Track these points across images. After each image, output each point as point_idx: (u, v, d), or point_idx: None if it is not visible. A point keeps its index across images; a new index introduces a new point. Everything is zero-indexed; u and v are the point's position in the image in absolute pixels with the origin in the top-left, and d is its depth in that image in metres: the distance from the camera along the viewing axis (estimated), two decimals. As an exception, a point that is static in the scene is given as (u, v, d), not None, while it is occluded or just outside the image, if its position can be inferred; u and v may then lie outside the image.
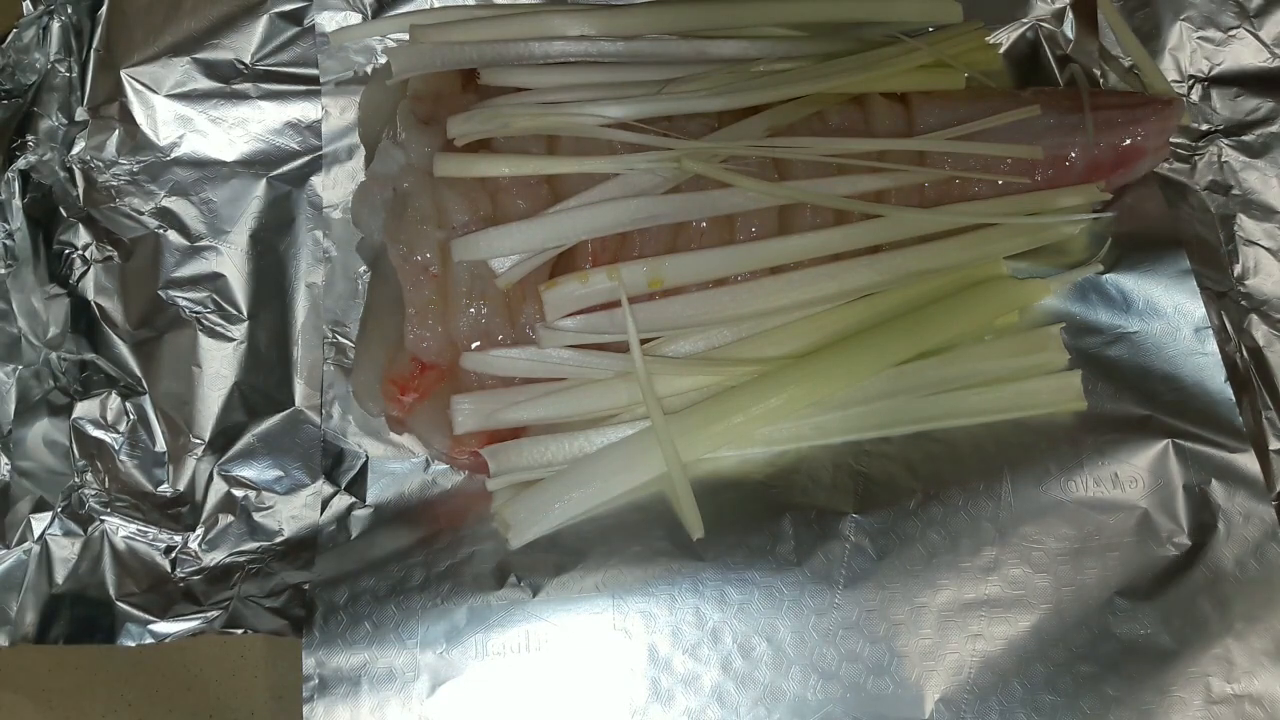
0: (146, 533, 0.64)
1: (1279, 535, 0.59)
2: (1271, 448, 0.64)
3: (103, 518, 0.64)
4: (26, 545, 0.63)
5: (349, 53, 0.73)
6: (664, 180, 0.61)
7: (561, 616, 0.57)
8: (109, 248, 0.70)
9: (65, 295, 0.68)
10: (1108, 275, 0.66)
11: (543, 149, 0.62)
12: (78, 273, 0.69)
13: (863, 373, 0.62)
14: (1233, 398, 0.62)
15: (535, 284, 0.60)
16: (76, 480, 0.65)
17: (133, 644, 0.61)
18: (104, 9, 0.73)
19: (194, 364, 0.68)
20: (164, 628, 0.61)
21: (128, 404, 0.66)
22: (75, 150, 0.72)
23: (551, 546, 0.59)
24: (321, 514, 0.64)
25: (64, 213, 0.70)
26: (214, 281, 0.70)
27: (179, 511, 0.65)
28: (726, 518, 0.60)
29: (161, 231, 0.71)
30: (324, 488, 0.65)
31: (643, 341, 0.61)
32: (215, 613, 0.61)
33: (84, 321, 0.68)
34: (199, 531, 0.64)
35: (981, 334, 0.65)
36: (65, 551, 0.63)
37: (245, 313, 0.69)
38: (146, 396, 0.66)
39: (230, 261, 0.70)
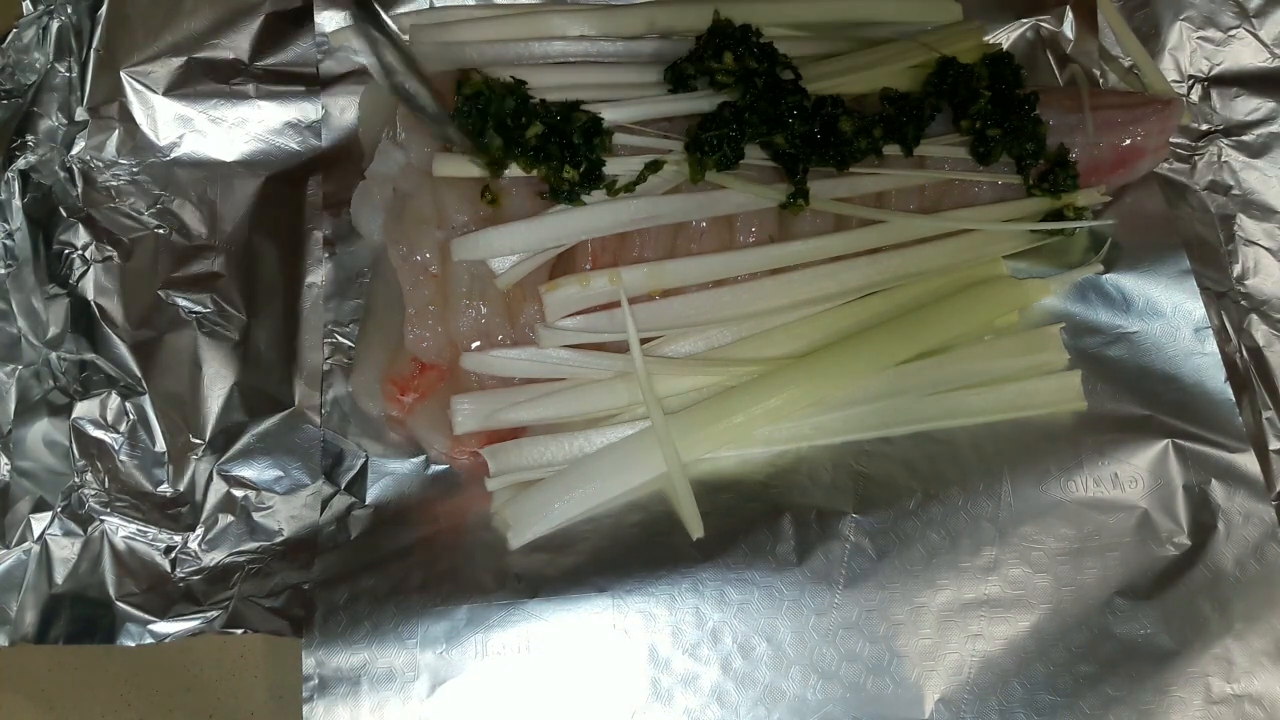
0: (146, 533, 0.64)
1: (1279, 535, 0.59)
2: (1271, 448, 0.64)
3: (103, 518, 0.64)
4: (26, 545, 0.63)
5: (349, 53, 0.73)
6: (664, 180, 0.61)
7: (561, 616, 0.57)
8: (109, 248, 0.70)
9: (65, 295, 0.68)
10: (1108, 275, 0.66)
11: (543, 149, 0.62)
12: (78, 273, 0.69)
13: (863, 372, 0.62)
14: (1233, 398, 0.62)
15: (535, 284, 0.60)
16: (76, 480, 0.65)
17: (133, 644, 0.61)
18: (104, 9, 0.73)
19: (194, 364, 0.68)
20: (164, 628, 0.61)
21: (128, 404, 0.66)
22: (75, 150, 0.72)
23: (551, 547, 0.60)
24: (321, 514, 0.64)
25: (64, 213, 0.70)
26: (214, 281, 0.70)
27: (179, 511, 0.65)
28: (726, 518, 0.60)
29: (161, 231, 0.71)
30: (324, 488, 0.65)
31: (643, 341, 0.61)
32: (215, 613, 0.61)
33: (84, 321, 0.68)
34: (199, 531, 0.64)
35: (981, 334, 0.65)
36: (65, 551, 0.63)
37: (245, 313, 0.69)
38: (146, 396, 0.66)
39: (230, 261, 0.70)
